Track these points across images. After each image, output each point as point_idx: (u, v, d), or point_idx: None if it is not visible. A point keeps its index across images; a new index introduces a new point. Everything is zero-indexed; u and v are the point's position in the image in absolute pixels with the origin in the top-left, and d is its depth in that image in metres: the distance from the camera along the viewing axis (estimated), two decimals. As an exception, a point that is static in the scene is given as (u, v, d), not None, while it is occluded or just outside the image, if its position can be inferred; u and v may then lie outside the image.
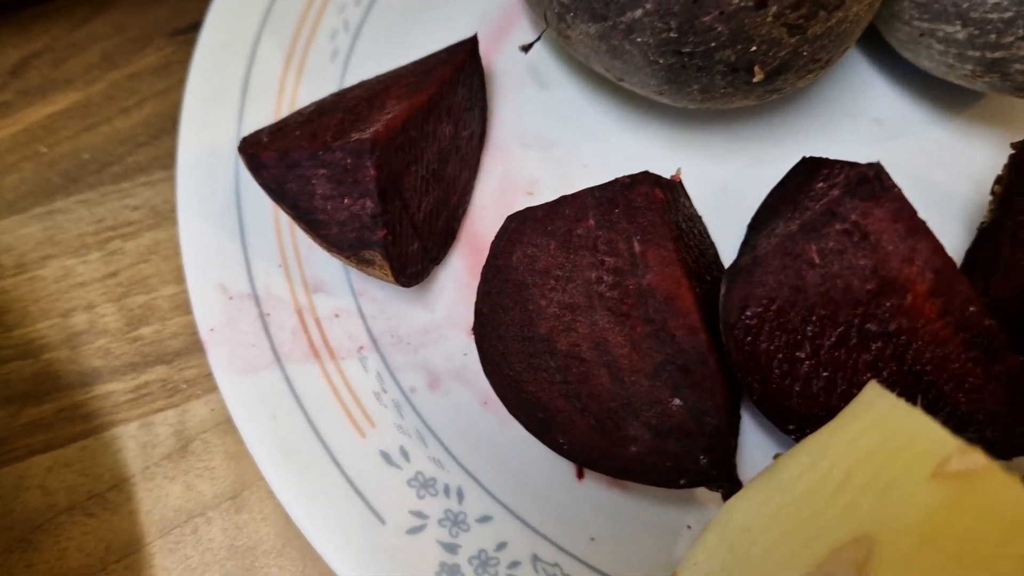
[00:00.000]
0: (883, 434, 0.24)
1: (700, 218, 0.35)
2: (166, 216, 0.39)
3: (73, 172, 0.40)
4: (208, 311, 0.32)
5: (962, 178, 0.37)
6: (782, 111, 0.38)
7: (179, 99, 0.41)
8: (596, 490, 0.32)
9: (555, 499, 0.32)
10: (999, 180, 0.33)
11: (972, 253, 0.34)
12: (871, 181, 0.28)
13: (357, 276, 0.35)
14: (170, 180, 0.39)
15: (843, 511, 0.24)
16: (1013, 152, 0.33)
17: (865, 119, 0.38)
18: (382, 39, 0.39)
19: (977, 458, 0.22)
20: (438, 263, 0.35)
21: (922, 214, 0.28)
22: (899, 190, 0.28)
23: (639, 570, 0.30)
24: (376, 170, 0.29)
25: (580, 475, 0.32)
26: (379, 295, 0.35)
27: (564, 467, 0.32)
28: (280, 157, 0.30)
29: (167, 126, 0.41)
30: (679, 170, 0.35)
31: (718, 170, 0.37)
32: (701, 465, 0.28)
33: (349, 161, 0.29)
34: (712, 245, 0.35)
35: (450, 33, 0.39)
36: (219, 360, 0.31)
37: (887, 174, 0.28)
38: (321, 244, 0.32)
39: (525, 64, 0.40)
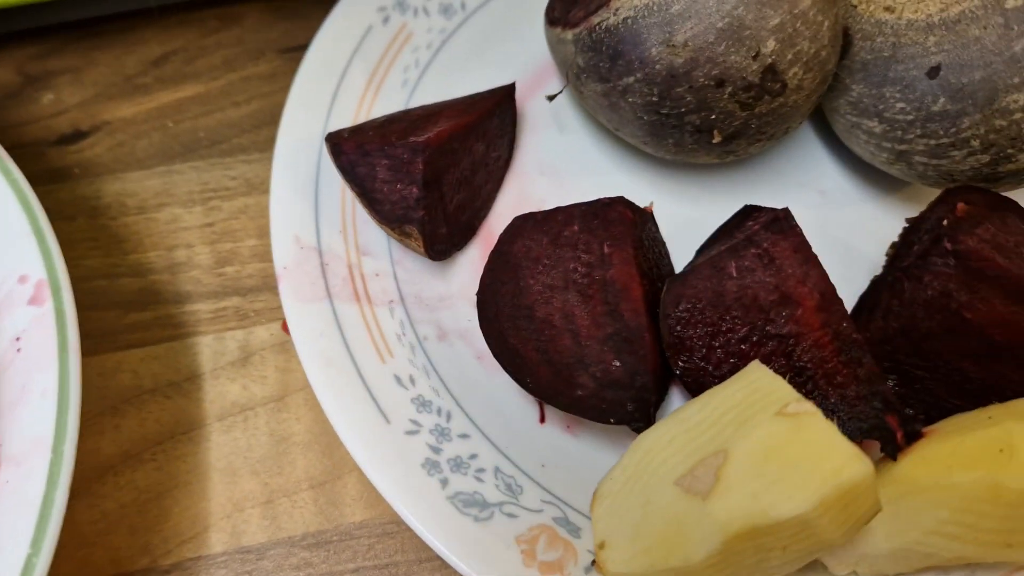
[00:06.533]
0: (752, 389, 0.34)
1: (664, 243, 0.46)
2: (256, 187, 0.50)
3: (190, 144, 0.51)
4: (284, 254, 0.43)
5: (882, 246, 0.47)
6: (743, 172, 0.49)
7: (280, 101, 0.52)
8: (552, 433, 0.42)
9: (520, 433, 0.41)
10: (893, 245, 0.43)
11: (862, 298, 0.43)
12: (781, 221, 0.38)
13: (396, 248, 0.45)
14: (264, 160, 0.51)
15: (713, 436, 0.33)
16: (906, 224, 0.43)
17: (811, 189, 0.49)
18: (442, 78, 0.50)
19: (807, 406, 0.32)
20: (460, 249, 0.46)
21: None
22: (800, 230, 0.38)
23: (577, 493, 0.40)
24: (424, 166, 0.40)
25: (542, 420, 0.42)
26: (411, 266, 0.45)
27: (531, 413, 0.42)
28: (357, 147, 0.41)
29: (267, 120, 0.52)
30: (651, 204, 0.45)
31: (687, 211, 0.48)
32: (628, 410, 0.38)
33: (406, 156, 0.40)
34: (669, 264, 0.45)
35: (495, 80, 0.50)
36: (287, 290, 0.42)
37: (793, 217, 0.38)
38: (375, 217, 0.42)
39: (550, 111, 0.51)
